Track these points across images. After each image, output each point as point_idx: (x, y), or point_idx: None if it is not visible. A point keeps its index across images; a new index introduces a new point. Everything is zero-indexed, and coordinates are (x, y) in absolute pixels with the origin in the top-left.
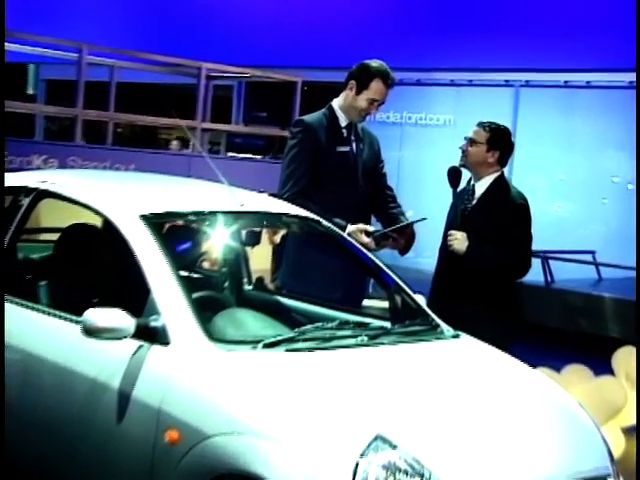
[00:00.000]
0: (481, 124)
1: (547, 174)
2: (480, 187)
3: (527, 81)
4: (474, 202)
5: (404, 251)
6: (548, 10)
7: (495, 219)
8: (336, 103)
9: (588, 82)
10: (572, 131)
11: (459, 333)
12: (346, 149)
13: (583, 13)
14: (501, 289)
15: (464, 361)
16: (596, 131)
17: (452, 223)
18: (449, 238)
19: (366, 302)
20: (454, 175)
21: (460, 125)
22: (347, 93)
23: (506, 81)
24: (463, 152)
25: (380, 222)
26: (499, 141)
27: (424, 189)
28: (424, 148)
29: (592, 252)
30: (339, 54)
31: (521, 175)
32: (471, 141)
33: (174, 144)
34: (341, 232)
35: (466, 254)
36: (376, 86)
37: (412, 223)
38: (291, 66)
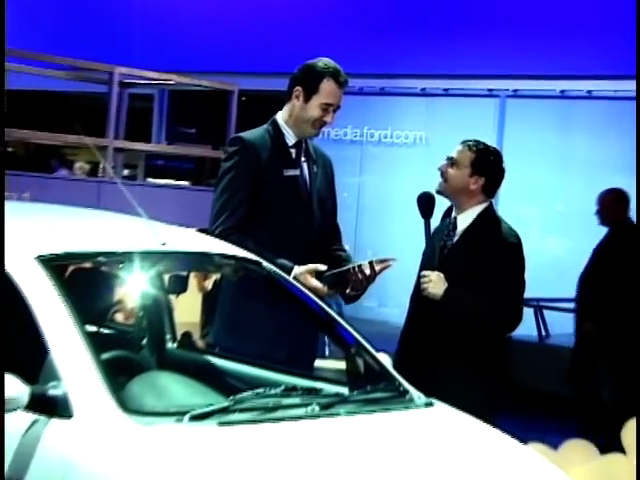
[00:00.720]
0: (466, 142)
1: (540, 203)
2: (463, 221)
3: (515, 90)
4: (455, 239)
5: (354, 298)
6: (541, 4)
7: (480, 260)
8: (281, 117)
9: (589, 92)
10: (570, 151)
11: (432, 400)
12: (295, 173)
13: (583, 8)
14: (485, 345)
15: (438, 436)
16: (599, 151)
17: (428, 263)
18: (422, 280)
19: (318, 363)
20: (426, 203)
21: (433, 144)
22: (293, 103)
23: (489, 90)
24: (442, 175)
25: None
26: (486, 165)
27: (389, 222)
28: (389, 172)
29: None
30: (283, 57)
31: (508, 205)
32: (452, 161)
33: (77, 167)
34: (287, 276)
35: (443, 301)
36: (327, 87)
37: (372, 263)
38: (225, 72)
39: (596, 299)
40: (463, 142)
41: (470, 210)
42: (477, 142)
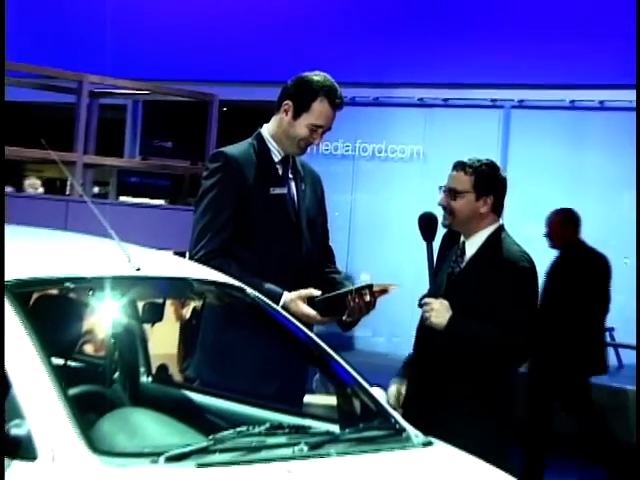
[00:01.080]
0: (460, 166)
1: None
2: (471, 246)
3: (520, 101)
4: (463, 264)
5: (350, 325)
6: (549, 7)
7: (489, 287)
8: (267, 131)
9: (602, 102)
10: (581, 167)
11: (432, 440)
12: (282, 191)
13: (595, 11)
14: (493, 379)
15: (437, 479)
16: (613, 167)
17: (435, 292)
18: (424, 308)
19: (307, 399)
20: (427, 224)
21: (432, 159)
22: (281, 117)
23: (493, 100)
24: (445, 209)
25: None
26: (489, 182)
27: (384, 244)
28: (384, 189)
29: (610, 329)
30: (268, 64)
31: (513, 226)
32: (451, 192)
33: (27, 184)
34: (273, 304)
35: (447, 330)
36: (320, 107)
37: (372, 287)
38: (204, 80)
39: (547, 326)
40: (455, 166)
41: (479, 234)
42: (470, 162)
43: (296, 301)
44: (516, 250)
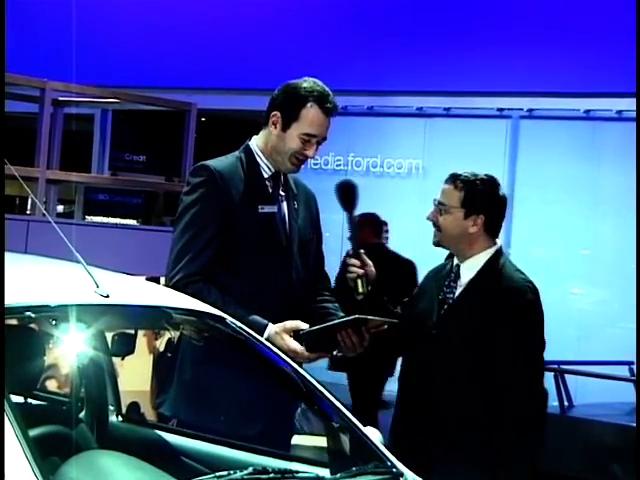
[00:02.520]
0: (451, 178)
1: (562, 246)
2: (468, 270)
3: (530, 110)
4: (457, 292)
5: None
6: (561, 7)
7: (490, 324)
8: (256, 144)
9: (620, 112)
10: (597, 183)
11: None
12: (272, 209)
13: (611, 14)
14: (495, 420)
15: None
16: (632, 182)
17: (423, 321)
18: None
19: (295, 439)
20: (345, 193)
21: (432, 174)
22: (269, 131)
23: (500, 110)
24: (434, 225)
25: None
26: (480, 200)
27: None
28: (379, 208)
29: (629, 363)
30: (251, 70)
31: (522, 247)
32: (440, 207)
33: None
34: (257, 336)
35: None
36: (310, 114)
37: (367, 320)
38: (181, 87)
39: None
40: (446, 179)
41: (475, 258)
42: (464, 176)
43: (281, 334)
44: (519, 279)
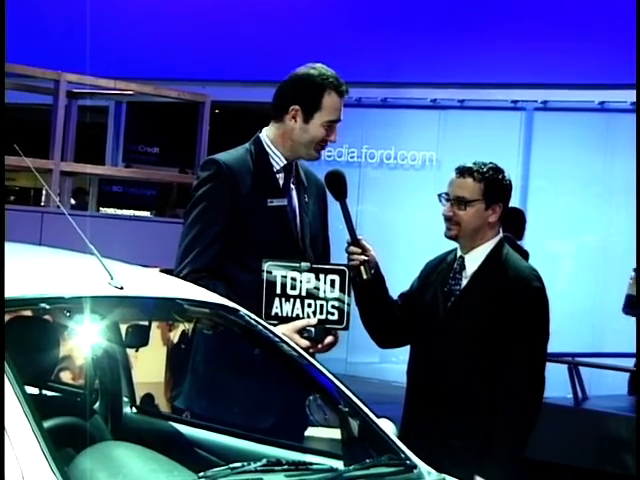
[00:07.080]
0: (466, 171)
1: (575, 238)
2: (473, 260)
3: (544, 102)
4: (464, 283)
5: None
6: (575, 1)
7: (499, 312)
8: (266, 135)
9: (634, 103)
10: (611, 175)
11: (445, 476)
12: (282, 203)
13: (624, 5)
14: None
15: None
16: None
17: (429, 314)
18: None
19: (309, 432)
20: (334, 182)
21: (446, 166)
22: (290, 125)
23: (514, 102)
24: (449, 220)
25: None
26: (499, 189)
27: (392, 260)
28: (393, 200)
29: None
30: (264, 62)
31: (536, 239)
32: (459, 201)
33: None
34: (271, 328)
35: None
36: (330, 101)
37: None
38: (195, 80)
39: None
40: (461, 172)
41: (481, 247)
42: (476, 167)
43: (291, 335)
44: (523, 267)
